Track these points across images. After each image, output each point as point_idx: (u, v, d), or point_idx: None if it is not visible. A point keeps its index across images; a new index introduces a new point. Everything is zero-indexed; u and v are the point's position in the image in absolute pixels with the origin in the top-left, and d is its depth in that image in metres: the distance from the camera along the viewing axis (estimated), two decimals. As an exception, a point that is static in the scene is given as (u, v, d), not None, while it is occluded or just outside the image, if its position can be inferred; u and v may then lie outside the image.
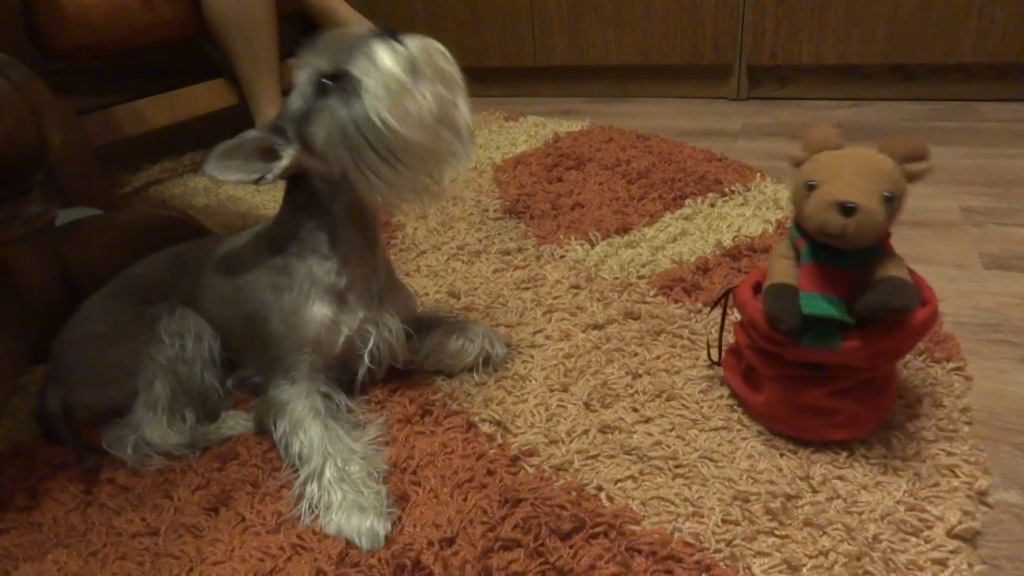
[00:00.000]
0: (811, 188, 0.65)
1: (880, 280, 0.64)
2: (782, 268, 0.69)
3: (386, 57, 0.65)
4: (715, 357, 0.83)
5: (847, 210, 0.60)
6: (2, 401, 0.82)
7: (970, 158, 1.41)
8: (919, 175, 0.65)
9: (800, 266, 0.67)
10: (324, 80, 0.68)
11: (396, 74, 0.65)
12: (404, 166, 0.68)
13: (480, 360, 0.85)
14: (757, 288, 0.73)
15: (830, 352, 0.64)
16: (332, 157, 0.70)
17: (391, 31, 0.68)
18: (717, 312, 0.87)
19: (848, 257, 0.64)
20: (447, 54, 0.70)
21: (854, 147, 0.67)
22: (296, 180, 0.76)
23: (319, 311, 0.77)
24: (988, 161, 1.39)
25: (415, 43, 0.68)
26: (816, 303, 0.64)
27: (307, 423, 0.72)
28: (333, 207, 0.76)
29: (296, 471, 0.70)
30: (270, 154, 0.72)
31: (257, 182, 0.72)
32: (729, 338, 0.84)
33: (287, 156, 0.72)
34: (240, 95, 1.69)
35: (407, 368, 0.86)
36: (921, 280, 0.69)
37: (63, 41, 1.35)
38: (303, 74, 0.70)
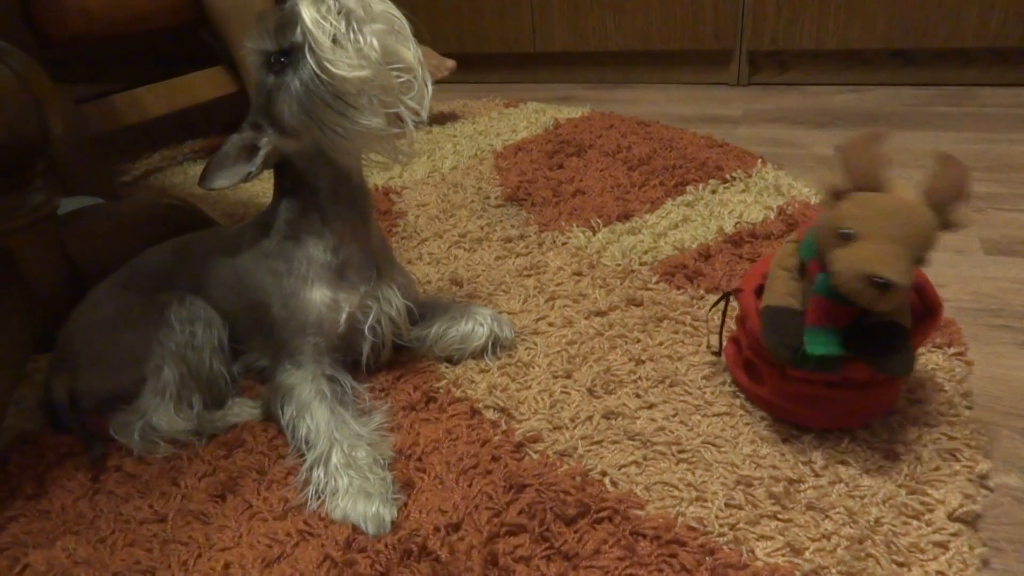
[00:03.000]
0: (844, 238, 0.60)
1: (883, 331, 0.63)
2: (781, 285, 0.68)
3: (310, 8, 0.66)
4: (717, 351, 0.83)
5: (881, 286, 0.57)
6: (8, 390, 0.82)
7: (971, 143, 1.41)
8: (956, 226, 0.61)
9: (811, 297, 0.65)
10: (274, 59, 0.69)
11: (321, 19, 0.65)
12: (356, 110, 0.68)
13: (490, 343, 0.86)
14: (759, 290, 0.72)
15: (830, 375, 0.65)
16: (302, 129, 0.71)
17: None
18: (716, 310, 0.87)
19: None
20: None
21: (895, 187, 0.61)
22: (281, 167, 0.78)
23: (319, 293, 0.77)
24: (989, 146, 1.39)
25: None
26: (820, 343, 0.63)
27: (313, 407, 0.73)
28: (318, 184, 0.77)
29: (302, 456, 0.71)
30: (252, 151, 0.75)
31: (246, 179, 0.75)
32: (731, 327, 0.85)
33: (263, 145, 0.74)
34: (239, 83, 1.68)
35: (412, 347, 0.87)
36: (927, 284, 0.69)
37: (61, 29, 1.34)
38: (253, 60, 0.71)
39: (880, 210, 0.60)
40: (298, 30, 0.67)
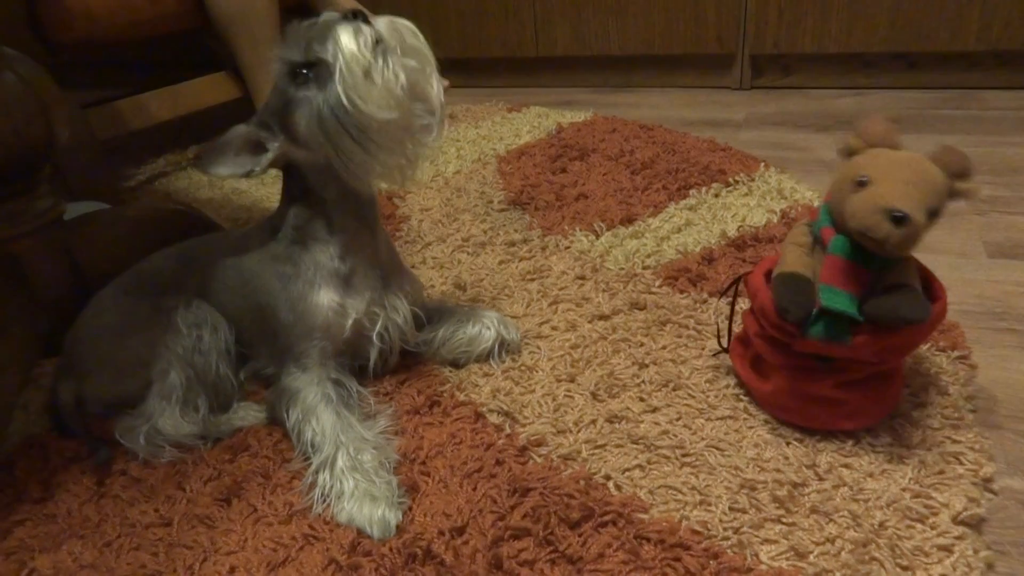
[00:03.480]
0: (861, 184, 0.63)
1: (893, 288, 0.63)
2: (794, 257, 0.69)
3: (349, 38, 0.66)
4: (724, 344, 0.83)
5: (897, 219, 0.59)
6: (15, 394, 0.83)
7: (974, 146, 1.41)
8: (963, 195, 0.63)
9: (825, 256, 0.66)
10: (299, 71, 0.70)
11: (359, 54, 0.66)
12: (377, 146, 0.69)
13: (496, 346, 0.86)
14: (769, 276, 0.73)
15: (840, 346, 0.65)
16: (315, 145, 0.72)
17: (357, 13, 0.69)
18: (725, 299, 0.87)
19: (873, 260, 0.64)
20: (416, 30, 0.71)
21: (908, 152, 0.65)
22: (289, 171, 0.78)
23: (325, 297, 0.78)
24: (992, 149, 1.39)
25: (382, 22, 0.69)
26: (836, 298, 0.63)
27: (319, 410, 0.73)
28: (326, 194, 0.77)
29: (308, 459, 0.71)
30: (258, 147, 0.75)
31: (248, 175, 0.75)
32: (738, 326, 0.85)
33: (272, 149, 0.75)
34: (243, 88, 1.69)
35: (419, 351, 0.87)
36: (931, 275, 0.69)
37: (66, 34, 1.35)
38: (279, 67, 0.72)
39: (894, 160, 0.64)
40: (328, 47, 0.67)
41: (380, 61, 0.67)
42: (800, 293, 0.66)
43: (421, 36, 0.71)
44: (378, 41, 0.68)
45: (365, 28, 0.67)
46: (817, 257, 0.69)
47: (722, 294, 0.89)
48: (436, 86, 0.72)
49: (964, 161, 0.64)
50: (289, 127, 0.73)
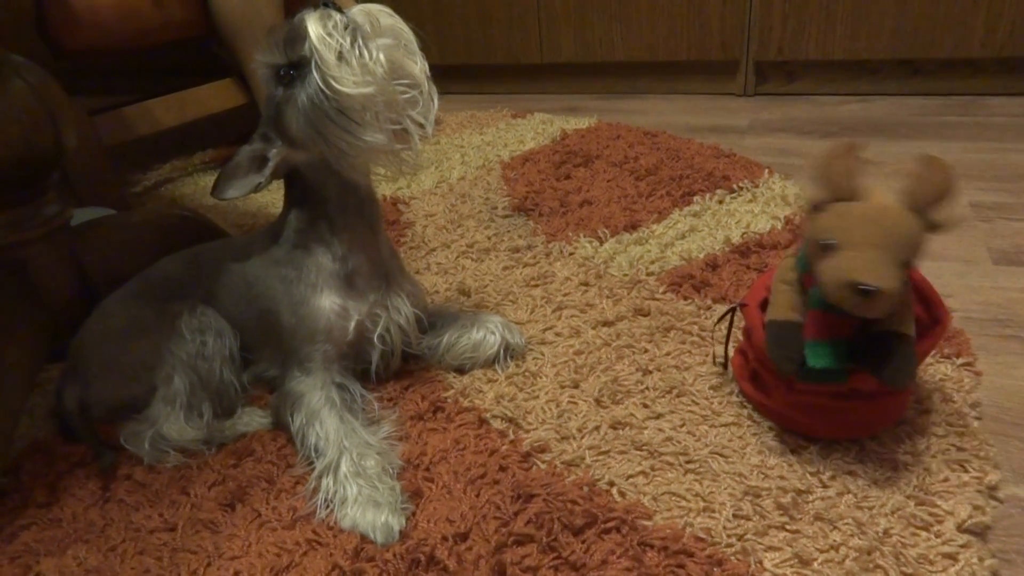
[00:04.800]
0: (827, 248, 0.61)
1: (886, 343, 0.63)
2: (783, 299, 0.68)
3: (316, 24, 0.67)
4: (723, 365, 0.83)
5: (865, 294, 0.57)
6: (21, 399, 0.83)
7: (979, 153, 1.41)
8: (942, 228, 0.61)
9: (808, 312, 0.66)
10: (282, 72, 0.70)
11: (327, 36, 0.66)
12: (359, 127, 0.69)
13: (502, 351, 0.86)
14: (764, 304, 0.73)
15: (838, 385, 0.65)
16: (307, 141, 0.72)
17: (328, 2, 0.69)
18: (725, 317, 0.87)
19: None
20: (390, 12, 0.72)
21: (875, 194, 0.62)
22: (290, 177, 0.79)
23: (328, 299, 0.78)
24: (997, 156, 1.38)
25: (355, 9, 0.69)
26: (821, 356, 0.63)
27: (323, 415, 0.73)
28: (326, 194, 0.78)
29: (311, 464, 0.71)
30: (263, 162, 0.76)
31: (256, 189, 0.76)
32: (738, 337, 0.85)
33: (272, 157, 0.75)
34: (249, 95, 1.69)
35: (423, 356, 0.88)
36: (934, 295, 0.69)
37: (73, 41, 1.36)
38: (264, 73, 0.72)
39: (858, 218, 0.61)
40: (306, 44, 0.68)
41: (352, 42, 0.67)
42: (790, 347, 0.65)
43: (396, 16, 0.72)
44: (352, 27, 0.68)
45: (334, 13, 0.68)
46: (806, 296, 0.69)
47: (717, 321, 0.89)
48: (419, 61, 0.72)
49: (943, 181, 0.60)
50: (284, 130, 0.74)
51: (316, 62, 0.67)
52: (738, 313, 0.79)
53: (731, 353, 0.82)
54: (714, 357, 0.85)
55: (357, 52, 0.67)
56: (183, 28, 1.54)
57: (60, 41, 1.36)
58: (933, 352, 0.81)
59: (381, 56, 0.68)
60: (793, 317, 0.67)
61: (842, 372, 0.64)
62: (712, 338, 0.88)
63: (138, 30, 1.45)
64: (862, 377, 0.64)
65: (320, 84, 0.67)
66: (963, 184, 1.27)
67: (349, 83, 0.67)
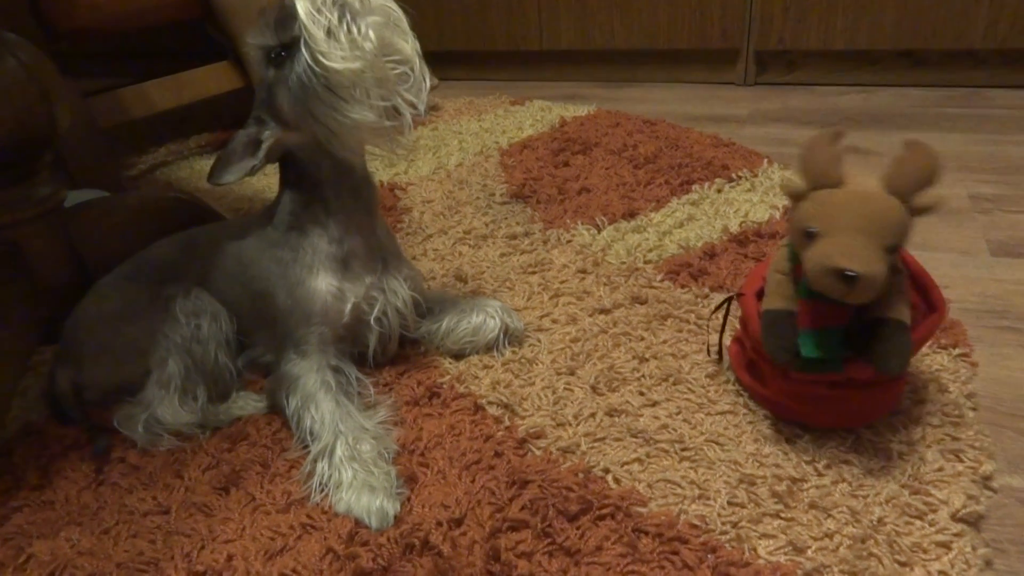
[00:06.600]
0: (810, 236, 0.61)
1: (880, 329, 0.62)
2: (778, 289, 0.68)
3: (306, 2, 0.66)
4: (717, 356, 0.83)
5: (848, 279, 0.57)
6: (13, 382, 0.82)
7: (979, 145, 1.40)
8: (925, 211, 0.61)
9: (799, 301, 0.66)
10: (274, 54, 0.70)
11: (315, 12, 0.66)
12: (348, 104, 0.68)
13: (501, 335, 0.86)
14: (760, 294, 0.72)
15: (834, 374, 0.65)
16: (300, 121, 0.72)
17: None
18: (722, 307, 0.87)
19: None
20: None
21: (856, 183, 0.61)
22: (285, 159, 0.79)
23: (323, 281, 0.78)
24: (997, 148, 1.38)
25: None
26: (814, 346, 0.63)
27: (319, 397, 0.73)
28: (321, 176, 0.77)
29: (306, 447, 0.71)
30: (258, 145, 0.76)
31: (252, 172, 0.76)
32: (734, 325, 0.84)
33: (266, 139, 0.75)
34: (245, 78, 1.68)
35: (422, 340, 0.88)
36: (931, 283, 0.69)
37: (69, 22, 1.35)
38: (256, 56, 0.72)
39: (838, 204, 0.61)
40: (297, 24, 0.67)
41: (340, 18, 0.66)
42: (785, 336, 0.65)
43: None
44: (340, 3, 0.67)
45: None
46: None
47: (713, 311, 0.89)
48: (409, 39, 0.71)
49: (927, 166, 0.60)
50: (277, 112, 0.73)
51: (304, 39, 0.66)
52: (734, 303, 0.79)
53: (727, 342, 0.82)
54: (708, 348, 0.84)
55: (345, 28, 0.66)
56: (179, 9, 1.53)
57: (56, 22, 1.35)
58: (930, 343, 0.81)
59: (370, 32, 0.67)
60: (787, 307, 0.67)
61: (837, 361, 0.64)
62: (708, 327, 0.88)
63: (134, 11, 1.44)
64: (857, 366, 0.64)
65: (309, 60, 0.66)
66: (962, 176, 1.27)
67: (337, 58, 0.66)
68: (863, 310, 0.63)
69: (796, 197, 0.65)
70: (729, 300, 0.79)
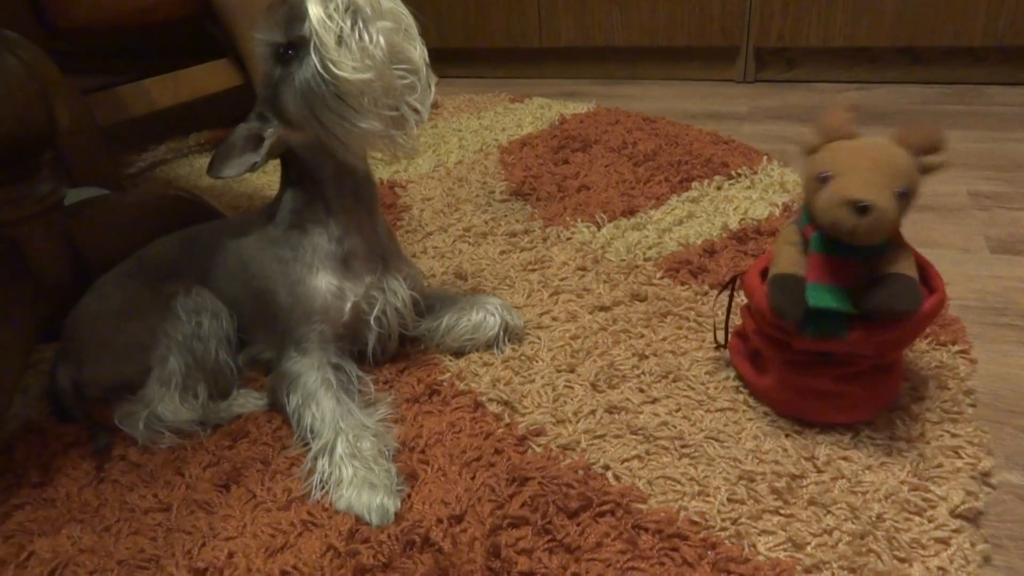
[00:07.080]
0: (823, 180, 0.63)
1: (887, 278, 0.63)
2: (787, 256, 0.69)
3: (318, 6, 0.66)
4: (721, 340, 0.83)
5: (861, 209, 0.59)
6: (14, 379, 0.83)
7: (978, 142, 1.40)
8: (934, 168, 0.63)
9: (808, 255, 0.66)
10: (281, 51, 0.70)
11: (327, 19, 0.65)
12: (355, 113, 0.68)
13: (501, 332, 0.86)
14: (764, 274, 0.72)
15: (837, 341, 0.65)
16: (304, 122, 0.72)
17: None
18: (724, 295, 0.87)
19: (858, 249, 0.64)
20: None
21: (869, 137, 0.65)
22: (286, 157, 0.79)
23: (324, 280, 0.78)
24: (996, 145, 1.38)
25: None
26: (823, 296, 0.63)
27: (319, 395, 0.73)
28: (322, 175, 0.77)
29: (307, 444, 0.71)
30: (259, 141, 0.76)
31: (253, 168, 0.76)
32: (736, 321, 0.85)
33: (268, 136, 0.75)
34: (244, 75, 1.68)
35: (422, 338, 0.88)
36: (930, 267, 0.69)
37: (69, 20, 1.35)
38: (262, 52, 0.72)
39: (853, 150, 0.64)
40: (306, 24, 0.67)
41: (352, 24, 0.66)
42: (794, 293, 0.65)
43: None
44: (352, 8, 0.67)
45: None
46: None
47: (719, 293, 0.89)
48: (418, 46, 0.71)
49: (932, 135, 0.63)
50: (280, 109, 0.73)
51: (315, 45, 0.66)
52: (735, 297, 0.79)
53: (730, 332, 0.82)
54: (715, 334, 0.84)
55: (357, 35, 0.66)
56: (178, 7, 1.53)
57: (56, 19, 1.34)
58: (929, 340, 0.81)
59: (381, 39, 0.67)
60: (796, 271, 0.67)
61: (841, 326, 0.64)
62: (710, 322, 0.88)
63: (133, 8, 1.43)
64: (860, 337, 0.63)
65: (318, 67, 0.66)
66: (962, 173, 1.27)
67: (348, 68, 0.66)
68: (872, 271, 0.64)
69: (811, 151, 0.67)
70: (733, 281, 0.79)
